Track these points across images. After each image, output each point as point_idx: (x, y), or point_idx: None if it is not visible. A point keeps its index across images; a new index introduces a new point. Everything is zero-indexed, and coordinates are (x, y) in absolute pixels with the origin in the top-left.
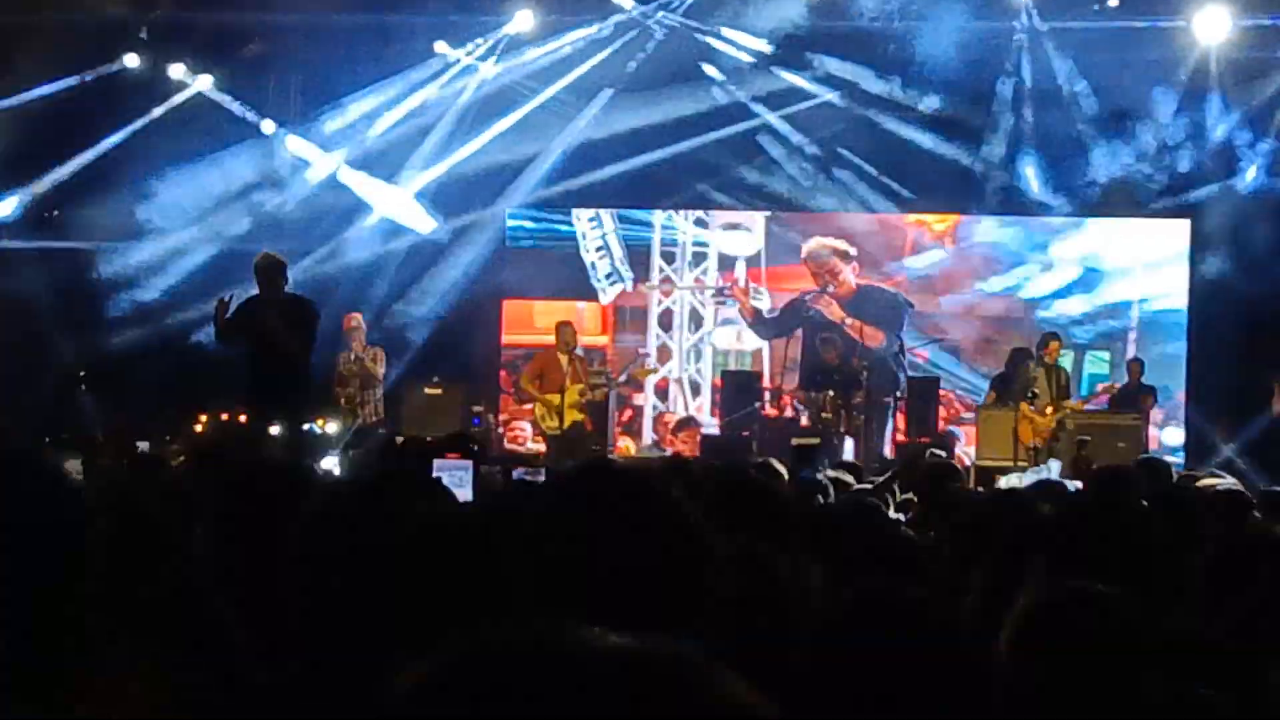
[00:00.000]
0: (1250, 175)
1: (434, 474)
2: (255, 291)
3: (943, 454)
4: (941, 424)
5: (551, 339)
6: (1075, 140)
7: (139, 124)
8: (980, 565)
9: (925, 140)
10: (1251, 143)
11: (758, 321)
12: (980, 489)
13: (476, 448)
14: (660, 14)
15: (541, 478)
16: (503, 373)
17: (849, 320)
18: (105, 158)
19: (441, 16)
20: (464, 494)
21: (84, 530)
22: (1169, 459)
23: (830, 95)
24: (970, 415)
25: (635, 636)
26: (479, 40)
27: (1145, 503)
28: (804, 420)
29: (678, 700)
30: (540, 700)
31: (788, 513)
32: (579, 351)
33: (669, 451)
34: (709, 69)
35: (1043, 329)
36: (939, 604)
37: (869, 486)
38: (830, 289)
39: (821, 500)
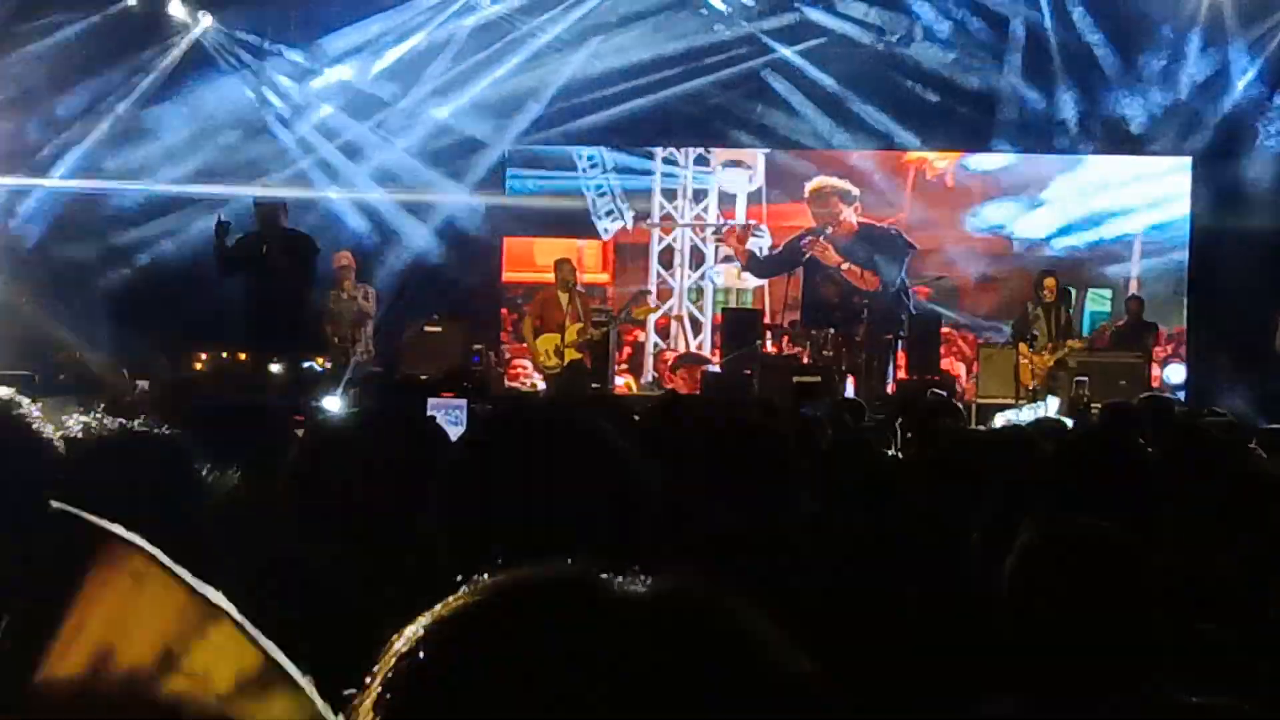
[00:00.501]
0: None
1: (429, 413)
2: (256, 230)
3: (943, 393)
4: (944, 361)
5: (552, 277)
6: (1081, 76)
7: (138, 66)
8: (980, 501)
9: (928, 77)
10: (1265, 93)
11: (753, 263)
12: (981, 427)
13: (469, 385)
14: None
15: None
16: (504, 310)
17: (846, 265)
18: (103, 99)
19: None
20: (458, 432)
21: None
22: (1171, 396)
23: (833, 26)
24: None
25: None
26: None
27: (1149, 439)
28: (805, 358)
29: (706, 640)
30: (573, 639)
31: (785, 452)
32: (580, 289)
33: (668, 388)
34: (714, 4)
35: (1040, 266)
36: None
37: (870, 425)
38: (829, 230)
39: (820, 438)
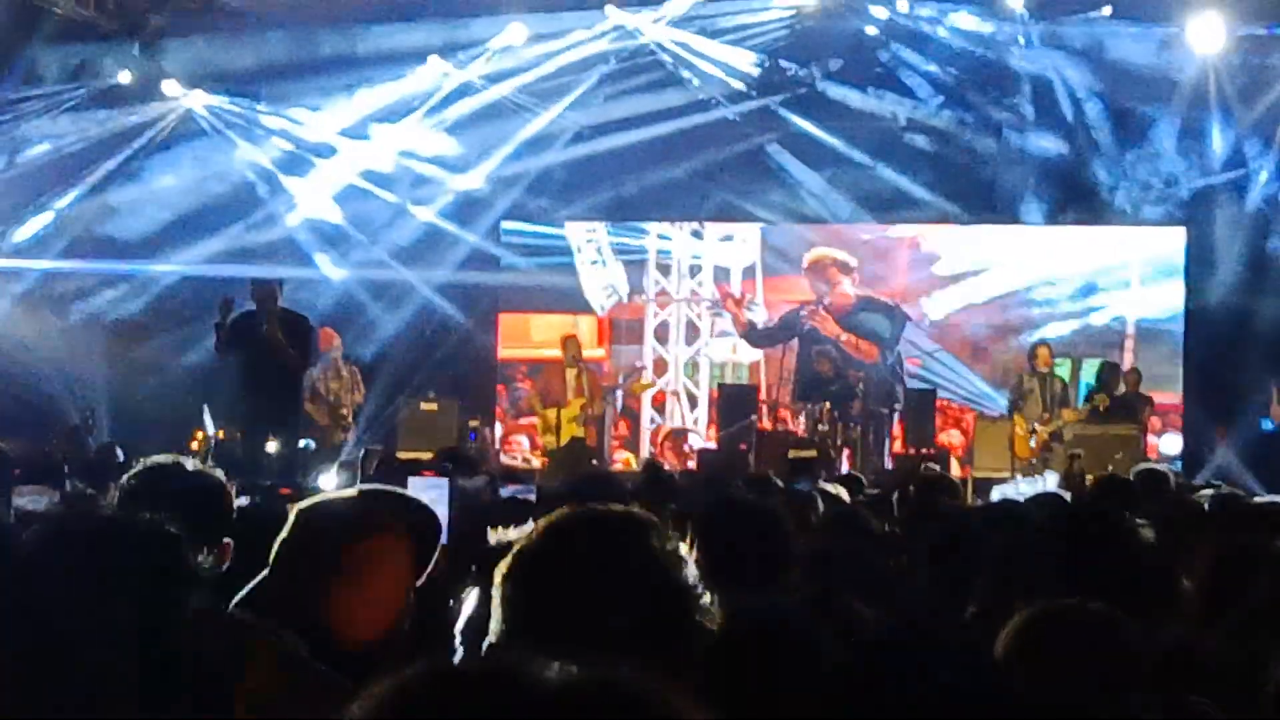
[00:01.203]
0: (1261, 181)
1: (410, 492)
2: (251, 309)
3: (937, 467)
4: (939, 434)
5: (549, 353)
6: (1072, 149)
7: (130, 140)
8: (974, 580)
9: (922, 153)
10: (1256, 154)
11: (751, 333)
12: (979, 501)
13: (450, 466)
14: (652, 25)
15: (532, 496)
16: (499, 387)
17: (844, 336)
18: (99, 175)
19: (432, 27)
20: (440, 511)
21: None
22: (1167, 468)
23: (839, 98)
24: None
25: (590, 667)
26: (470, 52)
27: (1145, 515)
28: (801, 432)
29: None
30: None
31: (777, 530)
32: (586, 365)
33: (665, 465)
34: (698, 82)
35: (1033, 340)
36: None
37: (865, 500)
38: (826, 302)
39: (813, 515)
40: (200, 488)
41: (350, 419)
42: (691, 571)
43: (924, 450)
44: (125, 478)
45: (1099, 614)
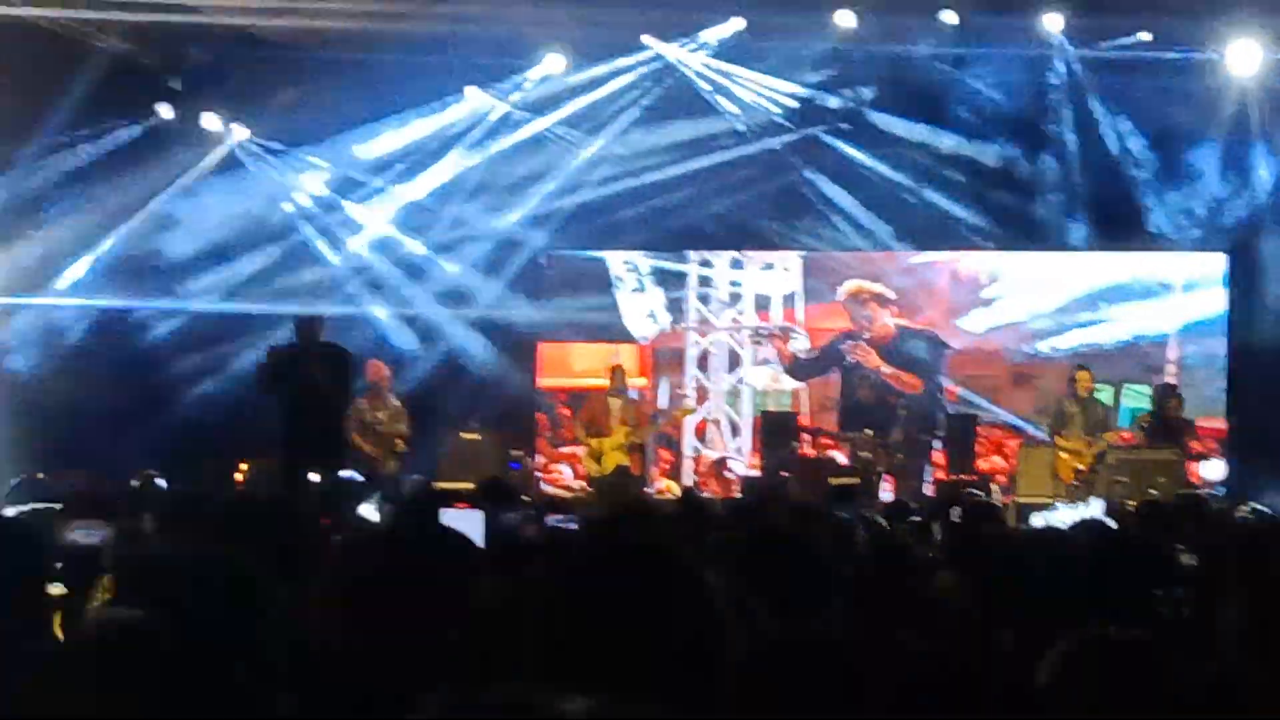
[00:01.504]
0: None
1: (444, 524)
2: (294, 342)
3: (980, 494)
4: (980, 460)
5: (589, 382)
6: (1113, 175)
7: (172, 175)
8: (1016, 607)
9: (963, 180)
10: None
11: (795, 366)
12: (1022, 527)
13: (484, 497)
14: (690, 55)
15: (573, 525)
16: (540, 416)
17: (886, 368)
18: (144, 212)
19: (471, 59)
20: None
21: None
22: (1210, 493)
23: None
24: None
25: (603, 699)
26: (509, 82)
27: (1185, 541)
28: (843, 459)
29: None
30: None
31: (818, 559)
32: (632, 394)
33: (706, 493)
34: (737, 110)
35: (1076, 363)
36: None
37: (906, 528)
38: (866, 336)
39: (855, 543)
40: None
41: (403, 446)
42: (720, 602)
43: (965, 476)
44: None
45: (1140, 643)
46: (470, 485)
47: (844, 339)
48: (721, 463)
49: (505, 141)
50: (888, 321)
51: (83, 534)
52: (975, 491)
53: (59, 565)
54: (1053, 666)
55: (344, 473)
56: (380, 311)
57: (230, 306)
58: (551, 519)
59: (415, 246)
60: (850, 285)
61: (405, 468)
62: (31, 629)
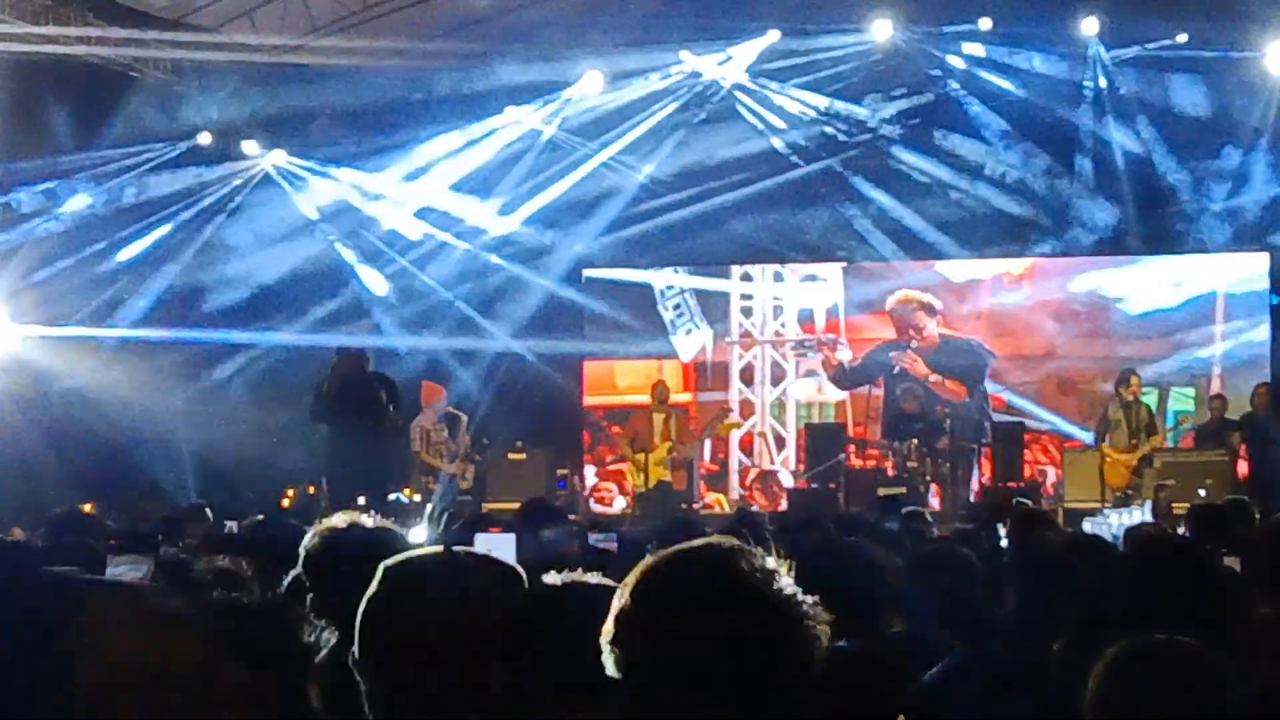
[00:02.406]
0: None
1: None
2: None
3: (1028, 501)
4: (1029, 467)
5: (634, 398)
6: (1153, 178)
7: (213, 201)
8: (1063, 613)
9: (1003, 189)
10: None
11: (840, 376)
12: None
13: (525, 518)
14: (726, 69)
15: (614, 544)
16: (585, 434)
17: (933, 377)
18: (173, 237)
19: (508, 80)
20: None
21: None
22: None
23: (901, 152)
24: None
25: None
26: (547, 100)
27: (1234, 543)
28: (890, 469)
29: None
30: None
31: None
32: (674, 409)
33: (754, 506)
34: (780, 122)
35: (1122, 367)
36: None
37: (953, 534)
38: (914, 344)
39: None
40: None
41: (474, 453)
42: (788, 583)
43: (1012, 483)
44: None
45: (1189, 650)
46: (515, 505)
47: (889, 348)
48: (769, 475)
49: (544, 157)
50: (933, 330)
51: (126, 568)
52: (1024, 500)
53: None
54: (1101, 674)
55: (391, 496)
56: (413, 341)
57: (274, 339)
58: (593, 537)
59: (453, 267)
60: (899, 294)
61: (478, 475)
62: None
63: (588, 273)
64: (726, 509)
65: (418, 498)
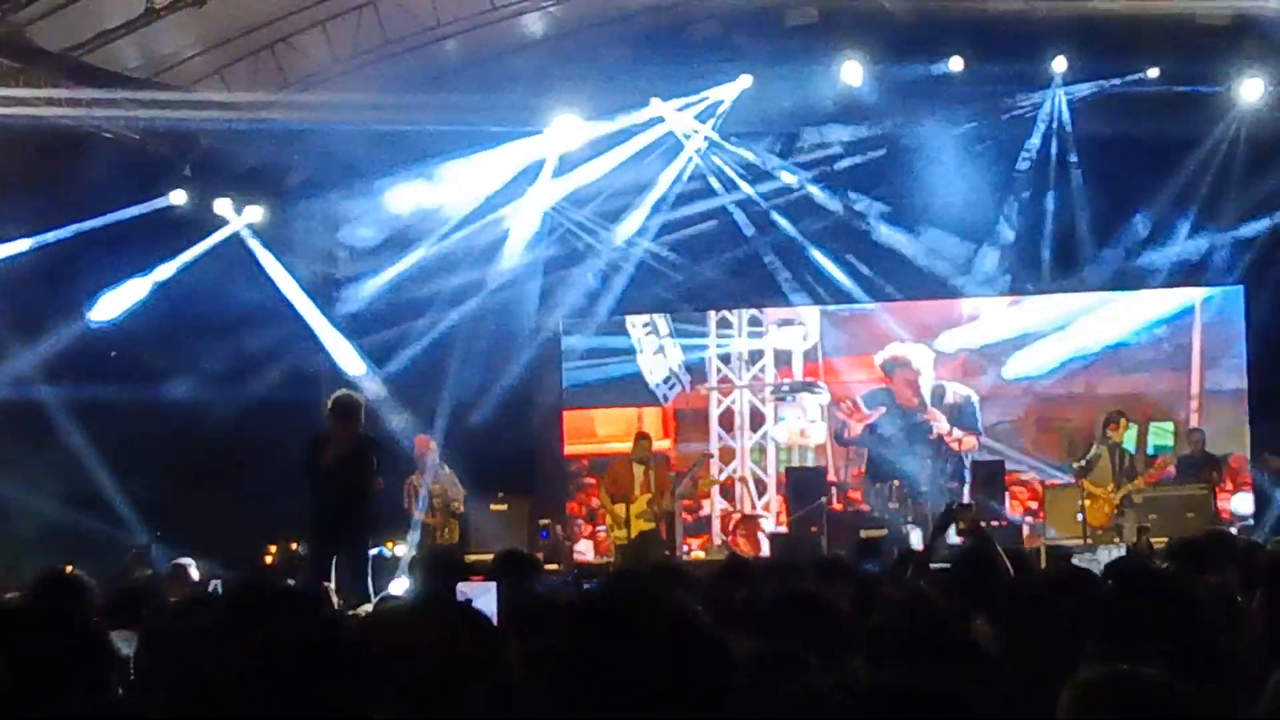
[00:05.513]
0: None
1: (460, 597)
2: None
3: (996, 524)
4: (1014, 506)
5: (613, 446)
6: (1125, 212)
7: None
8: (1043, 647)
9: (976, 226)
10: None
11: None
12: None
13: (501, 569)
14: (698, 129)
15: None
16: (568, 483)
17: (956, 431)
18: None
19: (480, 127)
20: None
21: None
22: (1240, 526)
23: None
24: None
25: None
26: (519, 154)
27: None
28: (870, 509)
29: None
30: None
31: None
32: (654, 458)
33: (731, 552)
34: (743, 183)
35: (1100, 404)
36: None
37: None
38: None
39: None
40: None
41: (461, 508)
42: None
43: (995, 523)
44: None
45: (1154, 681)
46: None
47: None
48: (750, 520)
49: (520, 205)
50: (923, 384)
51: (122, 644)
52: (988, 522)
53: None
54: (1068, 704)
55: (374, 550)
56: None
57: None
58: (587, 586)
59: (427, 315)
60: (887, 350)
61: (465, 532)
62: None
63: (564, 322)
64: (705, 556)
65: (400, 550)
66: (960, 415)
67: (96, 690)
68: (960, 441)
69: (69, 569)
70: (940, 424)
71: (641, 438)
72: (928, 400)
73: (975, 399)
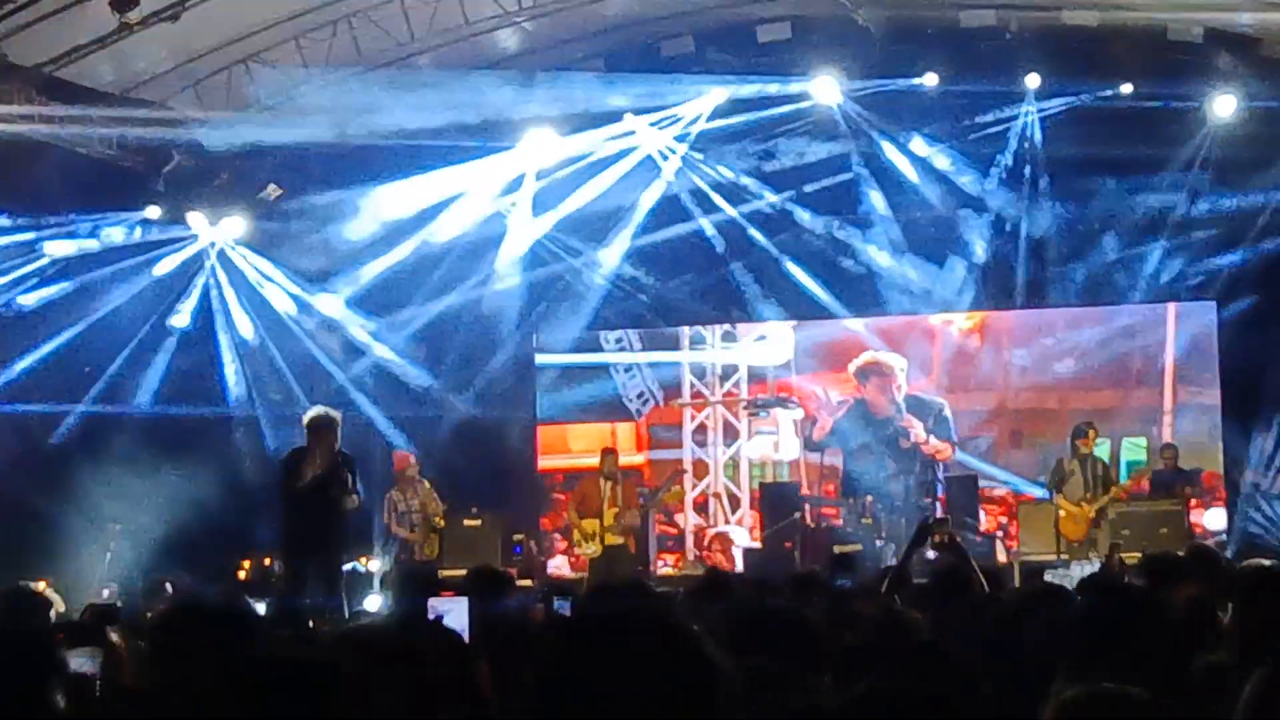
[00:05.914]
0: None
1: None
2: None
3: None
4: (989, 521)
5: (588, 461)
6: (1099, 227)
7: (162, 277)
8: (1018, 664)
9: (947, 241)
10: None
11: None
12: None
13: (472, 586)
14: (673, 145)
15: (566, 609)
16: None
17: (933, 440)
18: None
19: (455, 143)
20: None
21: None
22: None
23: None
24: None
25: None
26: (493, 169)
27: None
28: (843, 524)
29: None
30: None
31: (809, 635)
32: (622, 474)
33: (709, 567)
34: (717, 198)
35: (1073, 419)
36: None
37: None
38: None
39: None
40: None
41: (442, 523)
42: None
43: (970, 537)
44: None
45: (1137, 699)
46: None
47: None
48: (724, 536)
49: (488, 223)
50: (897, 393)
51: (79, 663)
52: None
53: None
54: (1053, 717)
55: (348, 565)
56: (374, 409)
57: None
58: (558, 601)
59: (401, 329)
60: (861, 358)
61: (445, 548)
62: None
63: (538, 337)
64: (680, 571)
65: (374, 566)
66: (935, 424)
67: (38, 703)
68: (937, 451)
69: (43, 584)
70: (916, 430)
71: (608, 453)
72: (902, 406)
73: (949, 410)
